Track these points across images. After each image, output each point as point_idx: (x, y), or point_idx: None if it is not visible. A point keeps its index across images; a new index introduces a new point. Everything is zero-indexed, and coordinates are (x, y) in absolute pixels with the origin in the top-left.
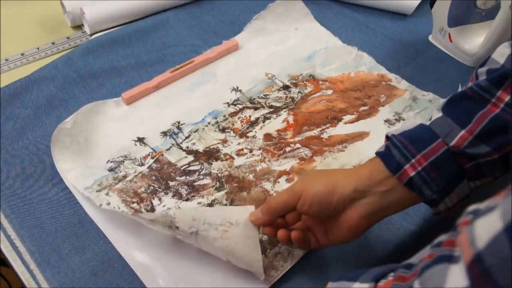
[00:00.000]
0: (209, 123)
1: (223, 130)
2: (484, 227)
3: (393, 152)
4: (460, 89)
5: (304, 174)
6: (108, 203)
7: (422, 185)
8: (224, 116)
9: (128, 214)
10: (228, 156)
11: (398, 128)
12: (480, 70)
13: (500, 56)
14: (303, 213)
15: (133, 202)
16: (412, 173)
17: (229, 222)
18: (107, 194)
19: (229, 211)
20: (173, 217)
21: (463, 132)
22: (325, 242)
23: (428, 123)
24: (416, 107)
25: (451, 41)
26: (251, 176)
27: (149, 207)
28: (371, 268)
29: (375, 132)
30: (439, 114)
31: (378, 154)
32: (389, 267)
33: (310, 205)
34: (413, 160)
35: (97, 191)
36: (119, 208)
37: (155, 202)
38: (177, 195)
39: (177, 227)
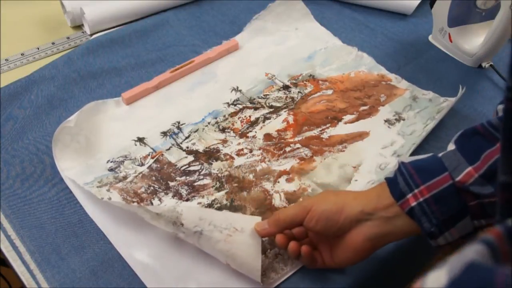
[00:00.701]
0: (209, 123)
1: (223, 130)
2: (432, 281)
3: (399, 180)
4: (461, 91)
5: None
6: (110, 198)
7: (421, 216)
8: (224, 116)
9: (133, 206)
10: (228, 156)
11: (408, 157)
12: (499, 106)
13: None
14: (309, 229)
15: (133, 202)
16: (413, 203)
17: (234, 227)
18: (108, 190)
19: (236, 217)
20: (180, 214)
21: (470, 168)
22: (330, 263)
23: (440, 154)
24: (416, 106)
25: (451, 41)
26: (251, 176)
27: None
28: None
29: (375, 132)
30: (452, 146)
31: (386, 179)
32: None
33: (317, 221)
34: (416, 190)
35: (97, 187)
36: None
37: (155, 202)
38: (177, 195)
39: (182, 224)
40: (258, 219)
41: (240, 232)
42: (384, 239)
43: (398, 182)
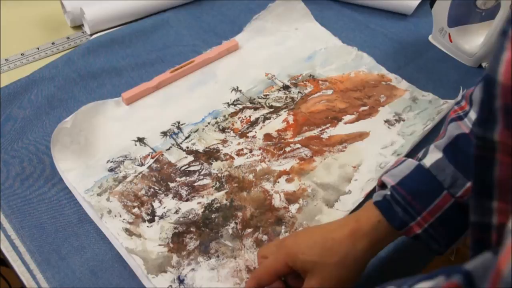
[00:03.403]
0: (209, 123)
1: (223, 130)
2: None
3: (396, 210)
4: (461, 92)
5: (308, 268)
6: (109, 211)
7: (429, 240)
8: (224, 116)
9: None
10: (228, 156)
11: (390, 168)
12: (475, 97)
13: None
14: None
15: (134, 207)
16: (419, 231)
17: None
18: (107, 199)
19: None
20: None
21: (469, 184)
22: None
23: (427, 164)
24: (416, 107)
25: (451, 41)
26: (251, 176)
27: (150, 210)
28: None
29: (375, 132)
30: (439, 154)
31: (380, 208)
32: None
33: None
34: (418, 218)
35: (97, 194)
36: (120, 215)
37: (156, 204)
38: (177, 196)
39: None
40: None
41: None
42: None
43: (396, 212)
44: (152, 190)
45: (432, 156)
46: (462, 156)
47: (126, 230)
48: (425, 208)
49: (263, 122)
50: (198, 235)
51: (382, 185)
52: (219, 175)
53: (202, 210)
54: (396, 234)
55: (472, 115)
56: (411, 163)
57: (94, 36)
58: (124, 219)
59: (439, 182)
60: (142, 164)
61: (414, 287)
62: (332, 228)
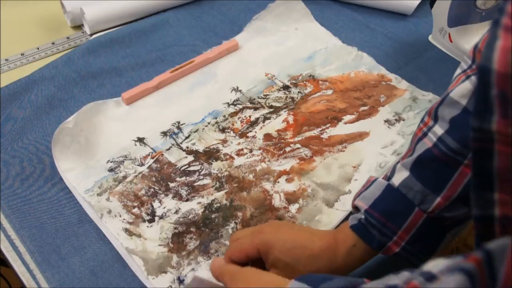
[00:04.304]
0: (209, 123)
1: (223, 130)
2: None
3: (373, 232)
4: None
5: (274, 258)
6: (109, 211)
7: (409, 256)
8: (224, 116)
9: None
10: (228, 156)
11: (361, 190)
12: (440, 111)
13: (461, 96)
14: None
15: (134, 207)
16: (397, 250)
17: None
18: (107, 199)
19: None
20: None
21: (438, 199)
22: None
23: (395, 182)
24: (416, 107)
25: (451, 41)
26: (251, 176)
27: (150, 210)
28: (335, 277)
29: (375, 132)
30: (406, 173)
31: (356, 231)
32: (350, 282)
33: None
34: (395, 238)
35: (97, 194)
36: (120, 215)
37: (156, 204)
38: (177, 196)
39: None
40: None
41: None
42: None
43: (373, 235)
44: (152, 190)
45: (400, 175)
46: (428, 172)
47: (126, 230)
48: (400, 227)
49: (263, 122)
50: (198, 235)
51: (356, 208)
52: (219, 175)
53: (202, 210)
54: (374, 254)
55: (437, 129)
56: (381, 184)
57: (94, 36)
58: (124, 219)
59: (409, 200)
60: (142, 164)
61: (430, 263)
62: (314, 238)
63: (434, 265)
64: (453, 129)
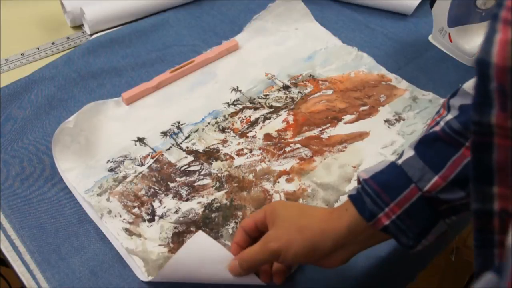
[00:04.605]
0: (209, 123)
1: (223, 130)
2: None
3: (365, 200)
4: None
5: (275, 216)
6: (109, 211)
7: (397, 232)
8: (224, 116)
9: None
10: (228, 156)
11: (375, 165)
12: (452, 101)
13: (472, 88)
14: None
15: (134, 207)
16: (387, 222)
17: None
18: (107, 199)
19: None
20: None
21: (436, 178)
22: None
23: (400, 161)
24: (416, 107)
25: (451, 41)
26: (251, 176)
27: (150, 210)
28: None
29: (375, 132)
30: (411, 152)
31: (351, 198)
32: None
33: (292, 262)
34: (386, 209)
35: (97, 194)
36: (120, 216)
37: (156, 204)
38: (177, 196)
39: None
40: (229, 255)
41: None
42: (359, 252)
43: (365, 203)
44: (152, 190)
45: (406, 155)
46: (431, 151)
47: (126, 230)
48: (393, 200)
49: (263, 122)
50: None
51: (359, 181)
52: (219, 175)
53: (202, 209)
54: (365, 227)
55: (448, 117)
56: (386, 162)
57: (94, 36)
58: (124, 219)
59: (408, 177)
60: (142, 164)
61: None
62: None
63: None
64: (460, 114)
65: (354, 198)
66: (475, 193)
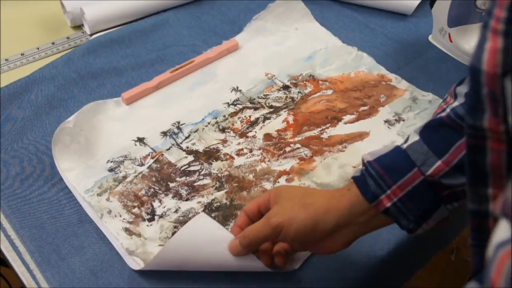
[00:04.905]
0: (209, 123)
1: (223, 130)
2: None
3: (369, 182)
4: None
5: (279, 196)
6: (109, 211)
7: (398, 215)
8: (224, 116)
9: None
10: (228, 156)
11: (380, 148)
12: (458, 89)
13: None
14: (285, 243)
15: (134, 207)
16: (388, 204)
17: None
18: (107, 199)
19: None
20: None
21: (439, 162)
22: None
23: (405, 145)
24: (416, 107)
25: (451, 41)
26: (251, 176)
27: (150, 209)
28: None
29: (375, 132)
30: (416, 137)
31: (355, 180)
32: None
33: (293, 239)
34: (388, 191)
35: (97, 194)
36: (120, 215)
37: (156, 204)
38: (177, 196)
39: None
40: (230, 236)
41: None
42: (360, 236)
43: (368, 184)
44: (152, 190)
45: (411, 140)
46: (435, 136)
47: (126, 229)
48: (395, 182)
49: (263, 122)
50: None
51: (363, 163)
52: (219, 175)
53: (202, 209)
54: (367, 207)
55: (454, 104)
56: (392, 146)
57: (94, 36)
58: (124, 218)
59: (411, 160)
60: (142, 164)
61: None
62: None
63: None
64: (465, 101)
65: (358, 179)
66: (471, 194)
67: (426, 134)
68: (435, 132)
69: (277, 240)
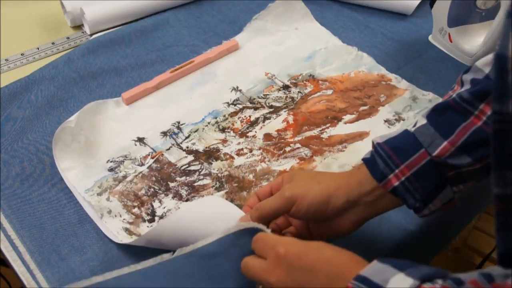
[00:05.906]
0: (209, 123)
1: (223, 130)
2: None
3: (378, 162)
4: None
5: (293, 176)
6: (110, 211)
7: (405, 194)
8: (224, 116)
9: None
10: (228, 156)
11: (390, 132)
12: (465, 77)
13: (484, 65)
14: (296, 218)
15: (134, 207)
16: (396, 183)
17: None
18: (107, 199)
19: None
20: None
21: (445, 143)
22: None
23: (413, 129)
24: (416, 107)
25: (451, 41)
26: (251, 176)
27: (150, 210)
28: (419, 264)
29: (375, 132)
30: (424, 121)
31: (364, 161)
32: (436, 271)
33: (305, 213)
34: (396, 170)
35: (97, 194)
36: (120, 215)
37: (156, 204)
38: (177, 196)
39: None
40: (241, 213)
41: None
42: (368, 218)
43: (377, 164)
44: (152, 190)
45: (419, 123)
46: (441, 118)
47: (126, 229)
48: (403, 162)
49: (263, 122)
50: None
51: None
52: (219, 175)
53: None
54: (376, 187)
55: (461, 91)
56: (401, 130)
57: (94, 36)
58: (124, 219)
59: (419, 142)
60: (142, 164)
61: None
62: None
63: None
64: (471, 87)
65: (367, 160)
66: (496, 178)
67: (433, 117)
68: (441, 115)
69: (289, 214)
